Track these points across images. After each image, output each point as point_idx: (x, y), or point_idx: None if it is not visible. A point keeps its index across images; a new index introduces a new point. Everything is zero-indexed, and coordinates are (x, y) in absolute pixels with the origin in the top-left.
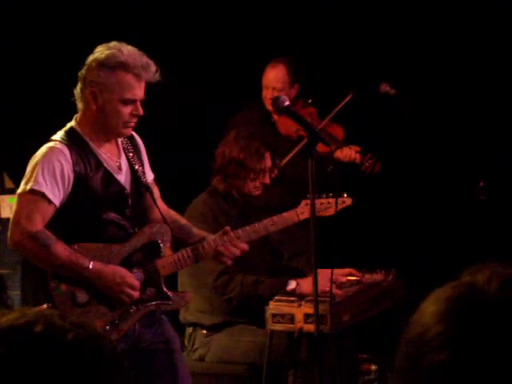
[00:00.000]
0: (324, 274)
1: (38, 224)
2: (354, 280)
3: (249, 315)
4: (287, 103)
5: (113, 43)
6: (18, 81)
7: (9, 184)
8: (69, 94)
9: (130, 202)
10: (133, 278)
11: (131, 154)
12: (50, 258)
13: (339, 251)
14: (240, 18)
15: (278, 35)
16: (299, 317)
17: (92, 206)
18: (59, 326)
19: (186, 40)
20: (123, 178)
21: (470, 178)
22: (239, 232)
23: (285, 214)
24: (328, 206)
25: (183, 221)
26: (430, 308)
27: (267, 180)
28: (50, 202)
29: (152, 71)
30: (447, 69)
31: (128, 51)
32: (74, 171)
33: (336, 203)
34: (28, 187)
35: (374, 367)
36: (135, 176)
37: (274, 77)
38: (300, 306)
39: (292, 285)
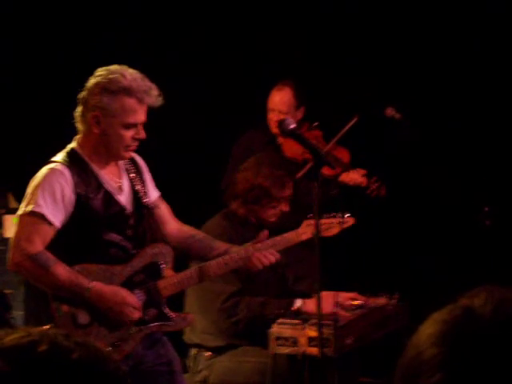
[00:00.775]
0: (328, 297)
1: (38, 245)
2: (358, 304)
3: (253, 338)
4: (293, 126)
5: (114, 67)
6: (22, 101)
7: (13, 204)
8: (71, 117)
9: (131, 222)
10: (134, 298)
11: (133, 175)
12: (49, 279)
13: (343, 275)
14: (245, 29)
15: (283, 55)
16: (303, 340)
17: (93, 227)
18: (64, 345)
19: (185, 47)
20: (124, 198)
21: (475, 202)
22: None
23: (286, 235)
24: (330, 226)
25: (201, 234)
26: (426, 330)
27: (287, 208)
28: (50, 223)
29: (154, 95)
30: (454, 89)
31: (131, 75)
32: (75, 192)
33: (339, 223)
34: (28, 209)
35: None
36: (136, 197)
37: (280, 100)
38: (304, 329)
39: (298, 303)
